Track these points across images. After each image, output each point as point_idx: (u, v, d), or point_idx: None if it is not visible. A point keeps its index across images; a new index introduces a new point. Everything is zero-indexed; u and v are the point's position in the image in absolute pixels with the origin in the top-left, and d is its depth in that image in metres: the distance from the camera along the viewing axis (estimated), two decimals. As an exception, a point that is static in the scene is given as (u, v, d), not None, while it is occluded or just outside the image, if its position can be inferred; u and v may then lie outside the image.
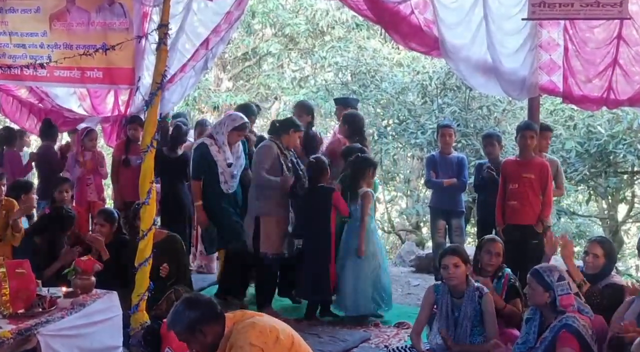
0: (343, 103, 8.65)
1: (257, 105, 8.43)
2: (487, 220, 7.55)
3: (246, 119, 7.35)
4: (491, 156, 7.90)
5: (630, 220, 13.28)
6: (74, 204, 7.97)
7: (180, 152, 8.27)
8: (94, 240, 6.54)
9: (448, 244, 7.94)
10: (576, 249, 11.90)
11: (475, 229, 9.69)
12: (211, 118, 14.30)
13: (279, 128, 7.18)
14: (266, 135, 7.56)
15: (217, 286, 7.75)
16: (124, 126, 9.04)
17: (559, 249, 5.66)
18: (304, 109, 8.02)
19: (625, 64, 6.67)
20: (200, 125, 8.79)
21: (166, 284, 6.40)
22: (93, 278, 5.37)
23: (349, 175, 7.14)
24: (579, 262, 5.81)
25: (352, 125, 7.81)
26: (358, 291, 6.95)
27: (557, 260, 5.78)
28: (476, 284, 5.34)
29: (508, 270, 5.76)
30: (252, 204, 7.17)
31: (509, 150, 9.81)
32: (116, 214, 6.90)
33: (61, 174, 8.37)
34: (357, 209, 7.01)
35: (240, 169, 7.30)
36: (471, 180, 9.41)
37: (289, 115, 7.90)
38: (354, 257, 6.96)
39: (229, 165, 7.14)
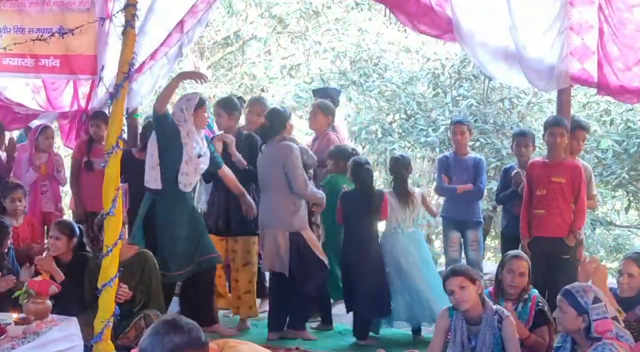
0: (322, 94, 8.66)
1: (241, 99, 8.42)
2: (513, 232, 7.54)
3: (199, 93, 7.49)
4: (523, 159, 7.85)
5: (677, 231, 13.35)
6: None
7: None
8: (42, 262, 6.54)
9: (464, 261, 7.97)
10: (613, 265, 11.94)
11: (497, 242, 9.71)
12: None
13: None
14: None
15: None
16: (84, 123, 9.03)
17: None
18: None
19: (671, 49, 6.69)
20: None
21: (134, 309, 6.38)
22: (49, 302, 5.35)
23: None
24: (612, 280, 5.81)
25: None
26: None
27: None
28: (495, 306, 5.34)
29: (535, 292, 5.76)
30: (286, 218, 7.17)
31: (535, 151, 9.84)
32: (75, 227, 6.89)
33: (9, 180, 8.34)
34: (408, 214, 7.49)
35: (205, 166, 7.32)
36: (491, 185, 9.42)
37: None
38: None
39: (199, 156, 7.14)
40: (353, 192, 7.40)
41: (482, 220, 8.43)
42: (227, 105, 7.76)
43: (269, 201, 7.21)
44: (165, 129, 7.04)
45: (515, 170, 7.71)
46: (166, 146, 7.06)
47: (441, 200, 9.71)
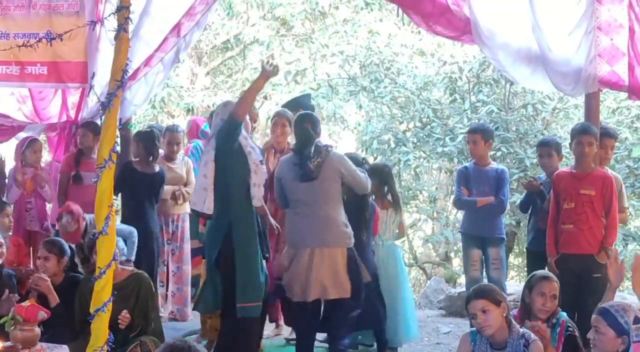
0: (293, 106, 8.56)
1: None
2: (539, 248, 7.51)
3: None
4: (549, 170, 7.83)
5: None
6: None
7: (157, 168, 8.38)
8: (38, 282, 6.53)
9: (485, 280, 7.95)
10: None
11: (521, 260, 9.69)
12: (184, 123, 14.28)
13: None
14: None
15: (193, 337, 7.74)
16: (74, 135, 9.05)
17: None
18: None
19: None
20: (170, 132, 8.81)
21: (129, 336, 6.38)
22: (37, 329, 5.35)
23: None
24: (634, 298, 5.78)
25: None
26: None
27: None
28: (522, 330, 5.32)
29: (564, 315, 5.74)
30: (345, 233, 6.96)
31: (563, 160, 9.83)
32: (65, 245, 6.90)
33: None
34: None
35: (266, 176, 7.14)
36: (514, 198, 9.40)
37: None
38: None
39: (261, 161, 7.01)
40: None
41: (504, 236, 8.39)
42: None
43: (315, 216, 6.92)
44: (237, 140, 6.85)
45: (529, 178, 7.73)
46: (232, 160, 6.84)
47: (460, 214, 9.70)
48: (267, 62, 6.82)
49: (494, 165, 8.35)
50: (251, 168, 6.82)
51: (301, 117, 7.15)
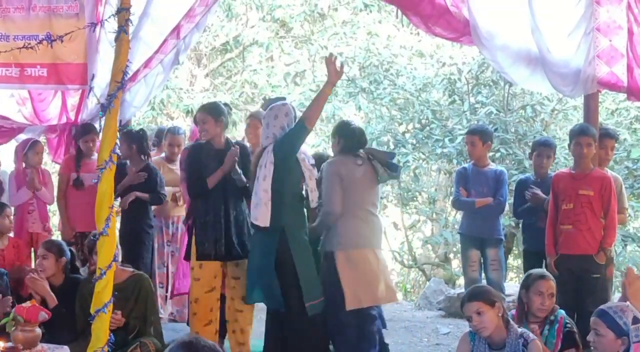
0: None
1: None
2: (536, 248, 7.54)
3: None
4: (543, 170, 7.88)
5: None
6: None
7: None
8: (35, 283, 6.55)
9: (484, 281, 7.96)
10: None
11: (520, 261, 9.67)
12: (184, 125, 14.30)
13: None
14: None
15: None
16: (74, 137, 9.05)
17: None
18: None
19: None
20: (172, 134, 8.82)
21: (129, 336, 6.39)
22: (38, 330, 5.36)
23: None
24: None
25: None
26: None
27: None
28: (520, 329, 5.34)
29: (562, 312, 5.76)
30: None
31: (560, 161, 9.84)
32: (64, 245, 6.91)
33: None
34: None
35: None
36: (512, 199, 9.40)
37: None
38: None
39: (312, 165, 7.02)
40: None
41: (503, 237, 8.40)
42: (213, 110, 7.34)
43: (369, 220, 6.96)
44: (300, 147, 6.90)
45: (532, 191, 7.70)
46: (289, 168, 6.80)
47: (460, 216, 9.71)
48: (334, 61, 6.68)
49: (492, 166, 8.36)
50: (305, 174, 6.83)
51: (346, 122, 7.29)
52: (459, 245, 9.22)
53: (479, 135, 8.16)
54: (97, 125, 8.39)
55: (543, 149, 7.95)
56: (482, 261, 8.15)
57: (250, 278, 6.85)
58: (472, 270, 8.16)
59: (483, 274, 8.16)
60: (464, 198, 8.16)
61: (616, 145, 8.14)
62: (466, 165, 8.54)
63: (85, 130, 8.70)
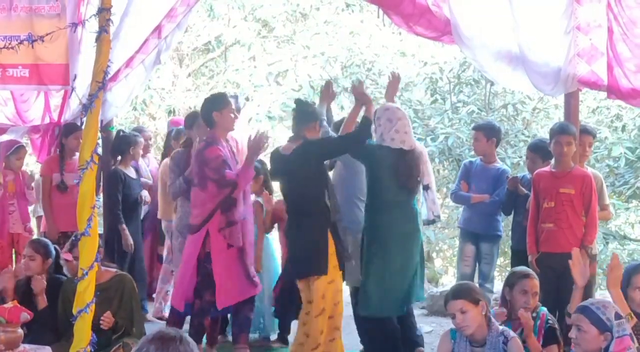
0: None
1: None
2: (523, 248, 7.51)
3: None
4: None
5: (696, 245, 13.36)
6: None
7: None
8: (37, 284, 6.54)
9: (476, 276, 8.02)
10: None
11: (504, 259, 9.69)
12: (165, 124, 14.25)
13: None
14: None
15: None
16: (57, 137, 9.02)
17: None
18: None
19: (686, 50, 6.73)
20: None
21: (113, 337, 6.38)
22: (20, 330, 5.34)
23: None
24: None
25: None
26: None
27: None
28: (501, 327, 5.36)
29: (544, 309, 5.79)
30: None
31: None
32: (51, 246, 6.89)
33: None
34: None
35: None
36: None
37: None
38: None
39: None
40: None
41: (500, 234, 8.41)
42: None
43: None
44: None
45: (511, 176, 7.75)
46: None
47: (444, 215, 9.73)
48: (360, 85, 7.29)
49: (498, 164, 8.37)
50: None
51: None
52: (442, 244, 9.26)
53: (483, 131, 8.22)
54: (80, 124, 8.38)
55: (543, 153, 7.73)
56: (476, 255, 8.23)
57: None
58: (465, 265, 8.26)
59: (476, 269, 8.25)
60: (462, 192, 8.24)
61: (597, 143, 8.17)
62: (473, 159, 8.56)
63: (75, 127, 8.68)
